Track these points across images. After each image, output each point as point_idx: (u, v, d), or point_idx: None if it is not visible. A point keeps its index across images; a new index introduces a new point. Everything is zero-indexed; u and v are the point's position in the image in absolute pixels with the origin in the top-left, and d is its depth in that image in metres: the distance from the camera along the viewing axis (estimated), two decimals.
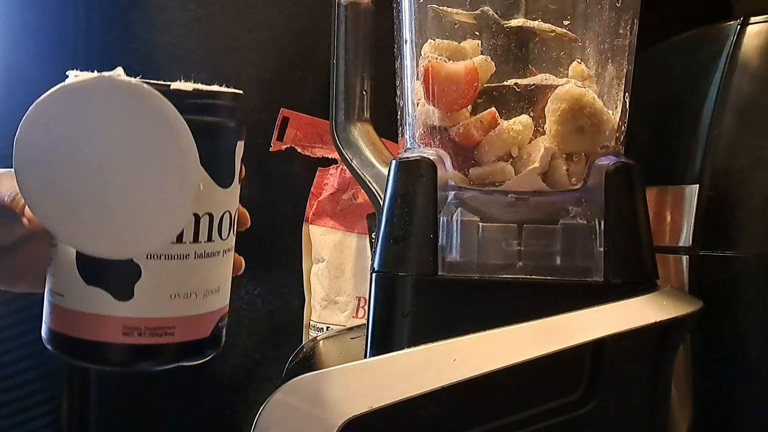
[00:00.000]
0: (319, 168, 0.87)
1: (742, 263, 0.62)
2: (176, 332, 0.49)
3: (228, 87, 0.50)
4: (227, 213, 0.50)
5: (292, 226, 0.88)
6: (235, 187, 0.51)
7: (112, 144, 0.44)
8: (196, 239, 0.49)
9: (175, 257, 0.48)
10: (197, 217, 0.48)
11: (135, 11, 0.88)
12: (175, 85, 0.48)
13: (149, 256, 0.47)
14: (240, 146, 0.51)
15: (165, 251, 0.48)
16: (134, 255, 0.47)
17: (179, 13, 0.87)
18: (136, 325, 0.48)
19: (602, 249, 0.56)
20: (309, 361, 0.66)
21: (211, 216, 0.49)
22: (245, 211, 0.55)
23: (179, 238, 0.48)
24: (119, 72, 0.45)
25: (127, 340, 0.48)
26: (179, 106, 0.44)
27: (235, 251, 0.53)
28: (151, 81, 0.45)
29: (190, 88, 0.48)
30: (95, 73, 0.44)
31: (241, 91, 0.51)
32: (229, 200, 0.51)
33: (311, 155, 0.87)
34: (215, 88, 0.50)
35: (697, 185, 0.64)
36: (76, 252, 0.48)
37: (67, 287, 0.49)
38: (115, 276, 0.48)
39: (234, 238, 0.52)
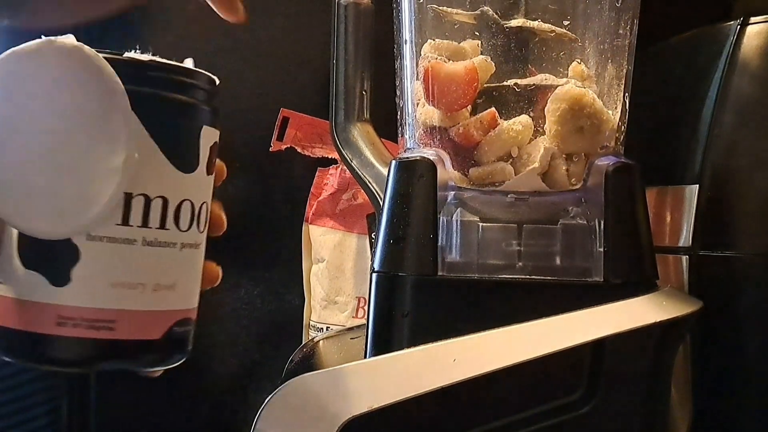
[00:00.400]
0: (319, 168, 0.87)
1: (742, 263, 0.62)
2: (117, 327, 0.44)
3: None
4: (187, 202, 0.46)
5: (292, 226, 0.88)
6: (201, 175, 0.47)
7: (53, 111, 0.41)
8: (145, 223, 0.44)
9: (119, 240, 0.43)
10: (147, 198, 0.44)
11: (135, 11, 0.87)
12: (131, 54, 0.45)
13: (89, 237, 0.43)
14: (208, 132, 0.47)
15: (107, 233, 0.43)
16: (67, 233, 0.43)
17: (179, 13, 0.87)
18: (72, 315, 0.43)
19: (602, 249, 0.56)
20: (309, 361, 0.66)
21: (165, 200, 0.45)
22: (221, 214, 0.51)
23: (125, 220, 0.43)
24: (69, 38, 0.42)
25: (61, 332, 0.43)
26: (133, 77, 0.42)
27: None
28: (109, 51, 0.43)
29: (145, 59, 0.45)
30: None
31: (208, 73, 0.47)
32: (191, 188, 0.46)
33: (311, 155, 0.87)
34: (179, 64, 0.46)
35: (697, 185, 0.64)
36: (18, 233, 0.44)
37: (8, 274, 0.45)
38: (53, 259, 0.43)
39: (202, 235, 0.48)
